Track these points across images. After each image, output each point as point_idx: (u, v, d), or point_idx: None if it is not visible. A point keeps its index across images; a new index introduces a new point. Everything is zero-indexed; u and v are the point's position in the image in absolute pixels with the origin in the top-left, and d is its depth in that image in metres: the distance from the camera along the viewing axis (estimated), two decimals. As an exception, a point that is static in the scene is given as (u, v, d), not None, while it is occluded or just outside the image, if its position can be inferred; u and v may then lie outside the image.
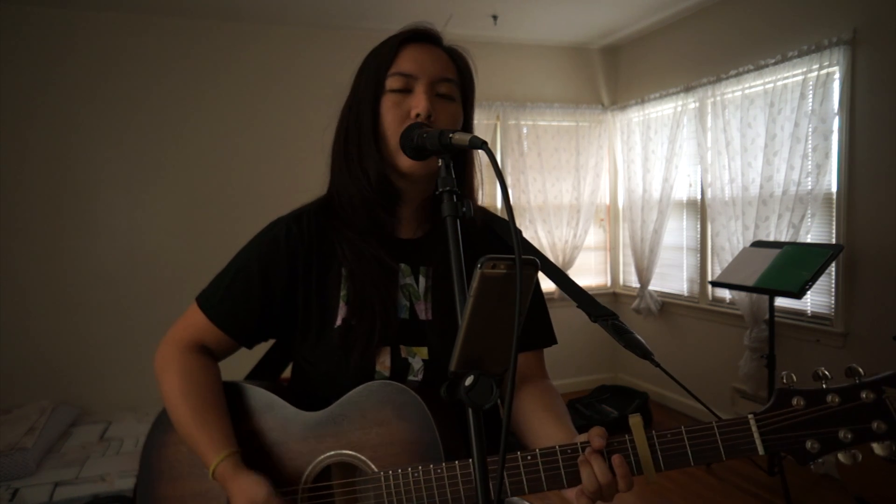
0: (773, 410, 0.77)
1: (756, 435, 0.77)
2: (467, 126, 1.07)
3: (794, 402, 0.76)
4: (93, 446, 3.12)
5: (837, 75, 3.09)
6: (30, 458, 2.81)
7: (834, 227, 3.23)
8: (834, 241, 3.22)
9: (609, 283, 5.05)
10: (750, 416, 0.78)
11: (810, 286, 2.86)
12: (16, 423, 3.10)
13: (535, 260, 0.67)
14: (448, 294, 1.04)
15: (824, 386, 0.76)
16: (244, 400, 1.02)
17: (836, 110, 3.12)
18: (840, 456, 0.74)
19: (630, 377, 4.83)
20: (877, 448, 0.73)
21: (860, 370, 0.75)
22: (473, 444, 0.70)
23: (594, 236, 4.95)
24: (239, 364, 1.17)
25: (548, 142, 4.63)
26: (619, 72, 4.87)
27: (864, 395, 0.74)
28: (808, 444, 0.75)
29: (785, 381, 0.78)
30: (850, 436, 0.74)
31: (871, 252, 3.05)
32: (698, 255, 4.18)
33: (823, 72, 3.13)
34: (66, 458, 2.97)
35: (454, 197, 0.79)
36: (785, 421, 0.77)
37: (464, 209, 0.80)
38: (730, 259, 3.55)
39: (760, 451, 0.76)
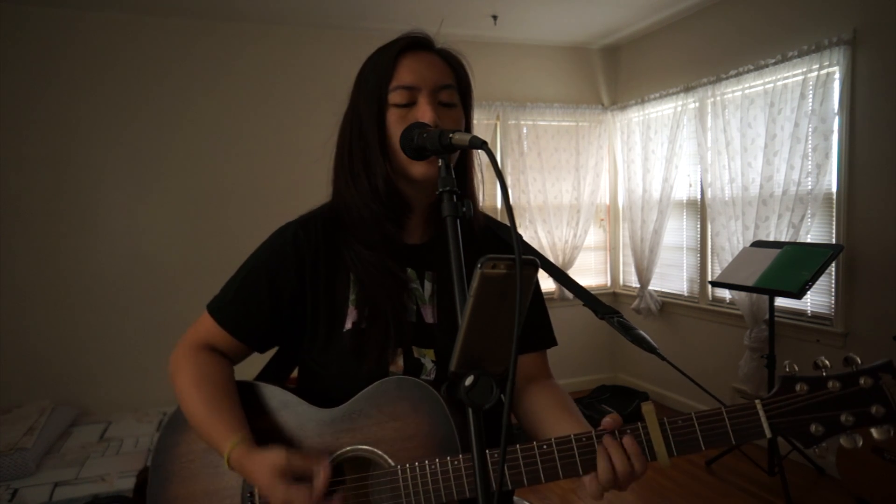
0: (779, 396, 0.81)
1: (763, 419, 0.80)
2: (467, 128, 1.08)
3: (798, 387, 0.80)
4: (92, 446, 3.12)
5: (837, 75, 3.10)
6: (29, 458, 2.81)
7: (834, 227, 3.24)
8: (834, 241, 3.23)
9: (609, 283, 5.05)
10: (757, 401, 0.81)
11: (810, 286, 2.86)
12: (15, 423, 3.10)
13: (536, 260, 0.68)
14: (453, 297, 1.05)
15: (824, 374, 0.79)
16: (259, 398, 1.03)
17: (836, 110, 3.12)
18: (842, 440, 0.78)
19: (629, 377, 4.84)
20: (875, 433, 0.77)
21: (857, 359, 0.79)
22: (473, 444, 0.71)
23: (594, 236, 4.95)
24: (244, 369, 1.18)
25: (548, 142, 4.63)
26: (619, 72, 4.87)
27: (862, 382, 0.78)
28: (813, 428, 0.79)
29: (788, 369, 0.81)
30: (851, 419, 0.77)
31: (871, 252, 3.05)
32: (698, 255, 4.18)
33: (823, 72, 3.13)
34: (65, 459, 2.97)
35: (454, 197, 0.80)
36: (790, 405, 0.80)
37: (464, 209, 0.80)
38: (730, 259, 3.55)
39: (768, 434, 0.80)
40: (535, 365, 1.11)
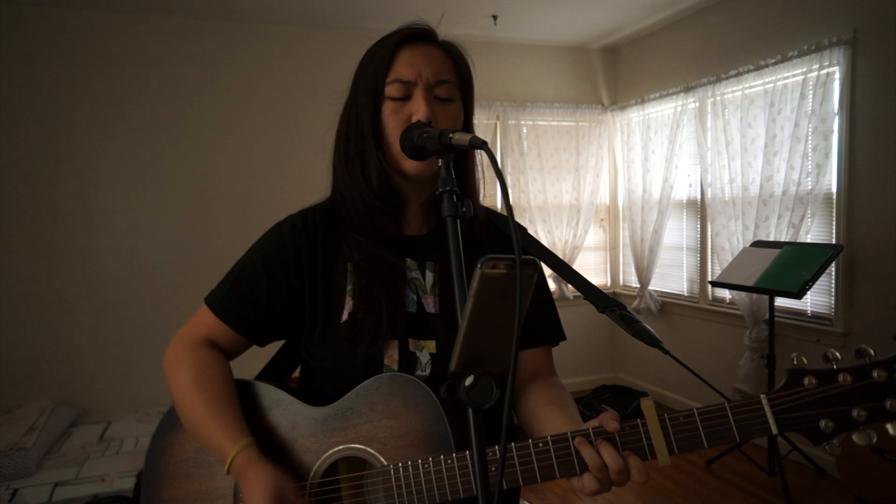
0: (786, 390, 0.76)
1: (769, 414, 0.76)
2: (468, 122, 1.07)
3: (807, 381, 0.76)
4: (92, 446, 3.12)
5: (837, 75, 3.10)
6: (29, 458, 2.81)
7: (834, 227, 3.24)
8: (834, 241, 3.23)
9: (609, 283, 5.05)
10: (762, 395, 0.77)
11: (810, 286, 2.86)
12: (16, 423, 3.10)
13: (536, 260, 0.67)
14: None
15: (835, 367, 0.75)
16: (252, 397, 1.02)
17: (836, 110, 3.12)
18: (855, 437, 0.73)
19: (629, 377, 4.83)
20: (891, 429, 0.73)
21: (870, 350, 0.74)
22: (473, 444, 0.70)
23: (594, 236, 4.95)
24: (248, 366, 1.18)
25: (548, 142, 4.63)
26: (619, 72, 4.87)
27: (875, 374, 0.73)
28: (822, 424, 0.74)
29: (795, 361, 0.77)
30: (863, 414, 0.73)
31: (871, 252, 3.05)
32: (698, 255, 4.18)
33: (823, 72, 3.13)
34: (65, 459, 2.97)
35: (454, 197, 0.80)
36: (798, 400, 0.75)
37: (464, 209, 0.80)
38: (730, 259, 3.55)
39: (774, 430, 0.75)
40: (538, 361, 1.09)
